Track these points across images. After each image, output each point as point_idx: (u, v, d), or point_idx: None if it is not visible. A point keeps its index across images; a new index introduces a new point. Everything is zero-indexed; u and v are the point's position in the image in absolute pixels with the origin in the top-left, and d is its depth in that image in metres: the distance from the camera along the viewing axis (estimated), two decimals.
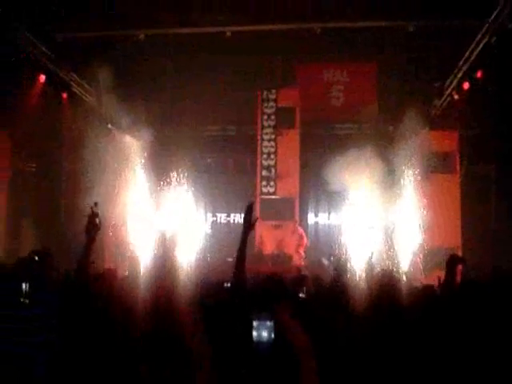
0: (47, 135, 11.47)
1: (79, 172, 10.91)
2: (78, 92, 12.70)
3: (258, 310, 3.21)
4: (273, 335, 2.97)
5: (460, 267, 4.83)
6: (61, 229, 11.97)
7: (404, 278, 8.08)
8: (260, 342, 2.95)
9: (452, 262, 4.72)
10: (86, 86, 12.91)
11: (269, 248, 12.92)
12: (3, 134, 11.83)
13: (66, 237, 11.54)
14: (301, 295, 5.64)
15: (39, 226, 11.56)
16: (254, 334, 2.92)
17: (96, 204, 7.82)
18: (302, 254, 12.43)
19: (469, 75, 11.60)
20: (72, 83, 12.49)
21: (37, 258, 5.23)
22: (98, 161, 10.87)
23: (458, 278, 4.80)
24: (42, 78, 11.64)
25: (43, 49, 11.42)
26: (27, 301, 4.15)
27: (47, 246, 9.98)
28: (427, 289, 5.12)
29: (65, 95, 12.31)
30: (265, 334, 2.93)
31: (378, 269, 7.96)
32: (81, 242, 4.61)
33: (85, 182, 10.40)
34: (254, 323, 2.94)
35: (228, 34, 12.68)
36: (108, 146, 12.13)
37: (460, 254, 11.23)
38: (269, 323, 2.95)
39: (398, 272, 8.00)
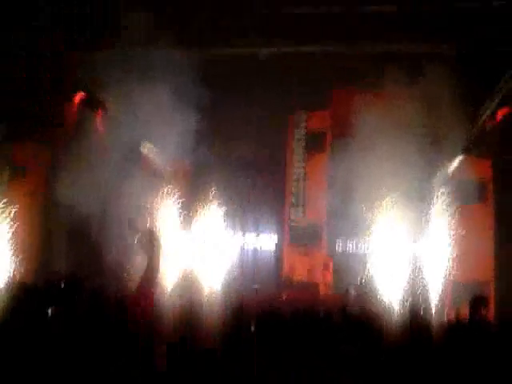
0: (83, 153, 11.70)
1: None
2: (113, 111, 12.91)
3: None
4: None
5: (484, 308, 4.88)
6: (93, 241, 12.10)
7: (432, 312, 8.00)
8: None
9: (475, 302, 4.84)
10: (121, 105, 13.13)
11: (297, 274, 12.84)
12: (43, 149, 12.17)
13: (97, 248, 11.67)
14: None
15: (71, 239, 11.78)
16: None
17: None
18: (330, 282, 12.32)
19: (505, 102, 11.44)
20: (108, 103, 12.72)
21: (63, 285, 5.37)
22: (132, 182, 11.08)
23: (482, 317, 4.82)
24: (79, 97, 11.93)
25: (81, 68, 11.71)
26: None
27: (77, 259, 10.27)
28: (452, 325, 5.15)
29: (100, 113, 12.54)
30: None
31: (406, 301, 7.91)
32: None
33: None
34: None
35: (262, 55, 12.82)
36: (142, 167, 12.39)
37: (492, 286, 11.03)
38: None
39: (426, 306, 7.90)
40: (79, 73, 11.82)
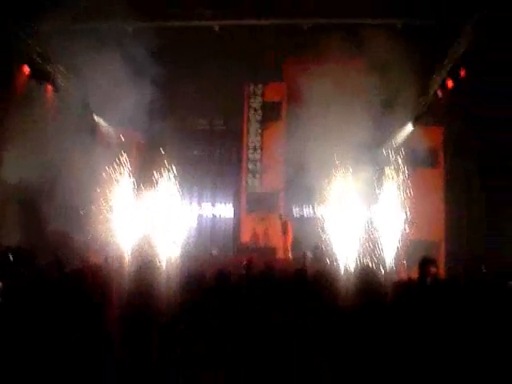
0: (32, 129, 11.34)
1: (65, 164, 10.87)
2: (63, 84, 12.57)
3: None
4: None
5: (432, 268, 4.95)
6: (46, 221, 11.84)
7: (386, 271, 8.20)
8: None
9: (423, 263, 4.89)
10: (71, 78, 12.78)
11: (254, 240, 13.00)
12: None
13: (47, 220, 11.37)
14: None
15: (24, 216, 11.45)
16: None
17: None
18: (289, 247, 12.46)
19: (452, 73, 11.71)
20: (57, 75, 12.36)
21: (11, 257, 5.19)
22: (82, 154, 10.86)
23: (430, 278, 4.91)
24: (27, 69, 11.52)
25: (28, 41, 11.31)
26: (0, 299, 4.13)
27: (29, 236, 10.03)
28: (402, 285, 5.26)
29: (49, 87, 12.18)
30: None
31: (360, 263, 8.09)
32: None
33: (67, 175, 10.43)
34: None
35: (216, 28, 12.67)
36: (93, 138, 12.14)
37: (443, 246, 11.38)
38: None
39: (379, 266, 8.10)
40: (27, 45, 11.39)
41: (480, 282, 6.06)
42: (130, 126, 12.64)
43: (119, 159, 9.76)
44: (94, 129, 12.80)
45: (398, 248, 9.03)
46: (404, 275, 8.36)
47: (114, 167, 9.66)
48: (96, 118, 13.02)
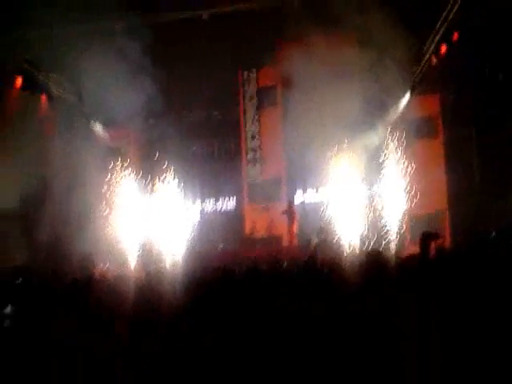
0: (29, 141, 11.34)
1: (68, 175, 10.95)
2: (57, 92, 12.56)
3: None
4: None
5: (434, 242, 4.86)
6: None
7: (391, 248, 8.21)
8: None
9: (425, 238, 4.77)
10: (64, 84, 12.77)
11: (259, 231, 13.00)
12: None
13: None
14: None
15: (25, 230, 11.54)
16: None
17: None
18: (294, 234, 12.40)
19: (445, 38, 11.54)
20: (50, 84, 12.35)
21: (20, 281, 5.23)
22: (81, 159, 10.90)
23: (432, 252, 4.84)
24: (19, 81, 11.55)
25: (19, 51, 11.31)
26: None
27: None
28: (405, 263, 5.21)
29: (43, 97, 12.19)
30: None
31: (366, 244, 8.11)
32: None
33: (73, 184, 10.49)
34: None
35: (205, 16, 12.60)
36: (91, 143, 12.19)
37: (447, 217, 11.34)
38: None
39: (385, 246, 8.11)
40: (16, 56, 11.38)
41: (487, 249, 5.97)
42: (126, 127, 12.65)
43: (117, 163, 9.84)
44: (90, 133, 12.80)
45: (402, 225, 9.04)
46: (412, 250, 8.34)
47: (112, 171, 9.74)
48: (92, 122, 13.02)
